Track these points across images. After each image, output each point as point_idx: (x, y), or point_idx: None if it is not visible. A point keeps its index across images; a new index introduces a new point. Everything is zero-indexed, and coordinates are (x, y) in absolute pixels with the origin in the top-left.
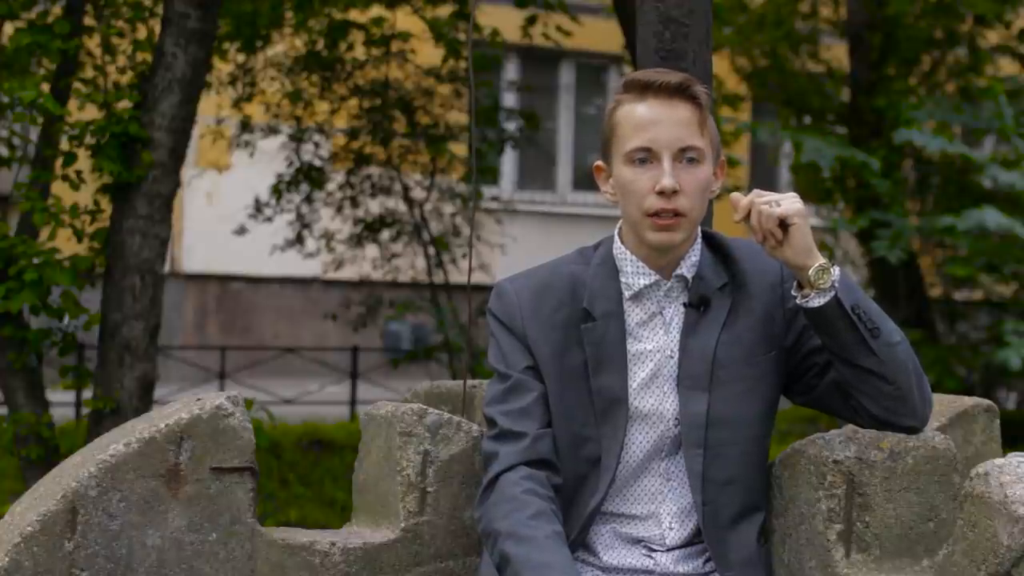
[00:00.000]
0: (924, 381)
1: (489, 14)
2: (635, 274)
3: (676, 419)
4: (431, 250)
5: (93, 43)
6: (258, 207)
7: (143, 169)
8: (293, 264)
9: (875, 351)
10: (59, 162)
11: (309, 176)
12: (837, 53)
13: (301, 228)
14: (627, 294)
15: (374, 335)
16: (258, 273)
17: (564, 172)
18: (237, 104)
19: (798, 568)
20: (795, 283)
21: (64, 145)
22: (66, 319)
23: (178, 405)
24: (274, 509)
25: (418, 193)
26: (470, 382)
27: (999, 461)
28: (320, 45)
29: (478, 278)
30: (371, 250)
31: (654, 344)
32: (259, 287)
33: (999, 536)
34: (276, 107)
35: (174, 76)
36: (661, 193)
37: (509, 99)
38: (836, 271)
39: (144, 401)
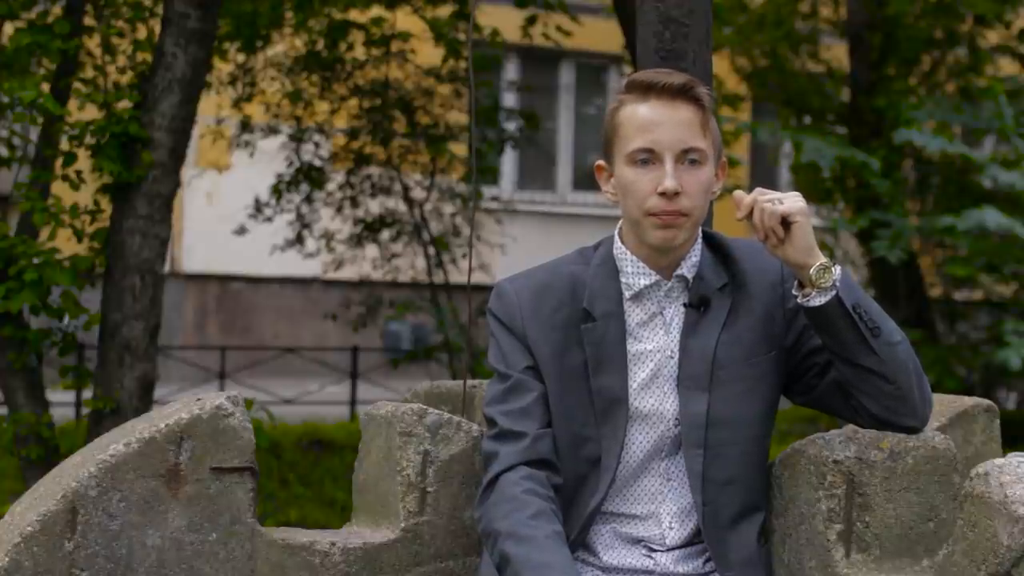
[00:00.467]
0: (924, 381)
1: (489, 14)
2: (635, 274)
3: (676, 419)
4: (431, 250)
5: (93, 43)
6: (258, 207)
7: (143, 169)
8: (293, 264)
9: (876, 350)
10: (59, 162)
11: (309, 176)
12: (837, 53)
13: (301, 228)
14: (627, 294)
15: (374, 335)
16: (258, 273)
17: (564, 172)
18: (237, 104)
19: (798, 568)
20: (796, 282)
21: (64, 145)
22: (66, 319)
23: (178, 405)
24: (274, 509)
25: (418, 193)
26: (470, 382)
27: (999, 461)
28: (320, 45)
29: (478, 278)
30: (371, 250)
31: (654, 344)
32: (259, 287)
33: (999, 536)
34: (276, 107)
35: (174, 76)
36: (663, 194)
37: (509, 99)
38: (837, 270)
39: (144, 401)
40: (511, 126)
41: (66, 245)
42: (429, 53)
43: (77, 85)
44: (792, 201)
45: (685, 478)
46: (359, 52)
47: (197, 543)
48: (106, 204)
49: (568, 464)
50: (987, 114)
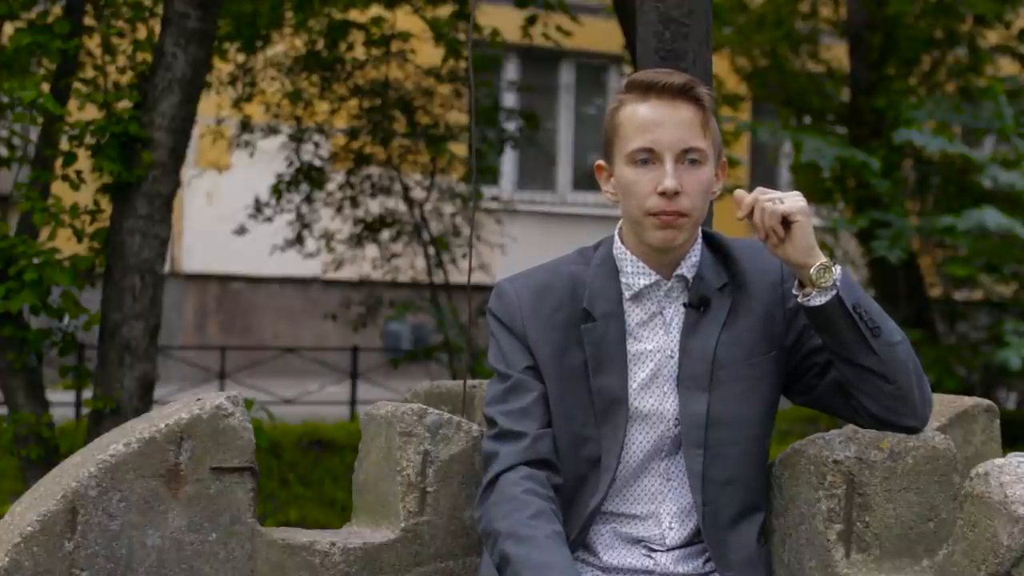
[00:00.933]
0: (924, 381)
1: (489, 14)
2: (635, 274)
3: (676, 419)
4: (431, 250)
5: (93, 43)
6: (258, 207)
7: (143, 169)
8: (293, 264)
9: (876, 350)
10: (59, 162)
11: (309, 176)
12: (837, 53)
13: (301, 228)
14: (627, 294)
15: (374, 335)
16: (258, 273)
17: (564, 172)
18: (237, 104)
19: (798, 568)
20: (796, 282)
21: (64, 145)
22: (66, 319)
23: (178, 405)
24: (274, 509)
25: (418, 193)
26: (470, 382)
27: (999, 461)
28: (320, 45)
29: (478, 278)
30: (371, 250)
31: (654, 344)
32: (259, 287)
33: (999, 536)
34: (276, 107)
35: (174, 76)
36: (663, 194)
37: (509, 99)
38: (838, 270)
39: (144, 401)
40: (511, 126)
41: (66, 245)
42: (429, 53)
43: (77, 85)
44: (792, 201)
45: (685, 478)
46: (359, 52)
47: (197, 543)
48: (106, 204)
49: (568, 464)
50: (987, 114)
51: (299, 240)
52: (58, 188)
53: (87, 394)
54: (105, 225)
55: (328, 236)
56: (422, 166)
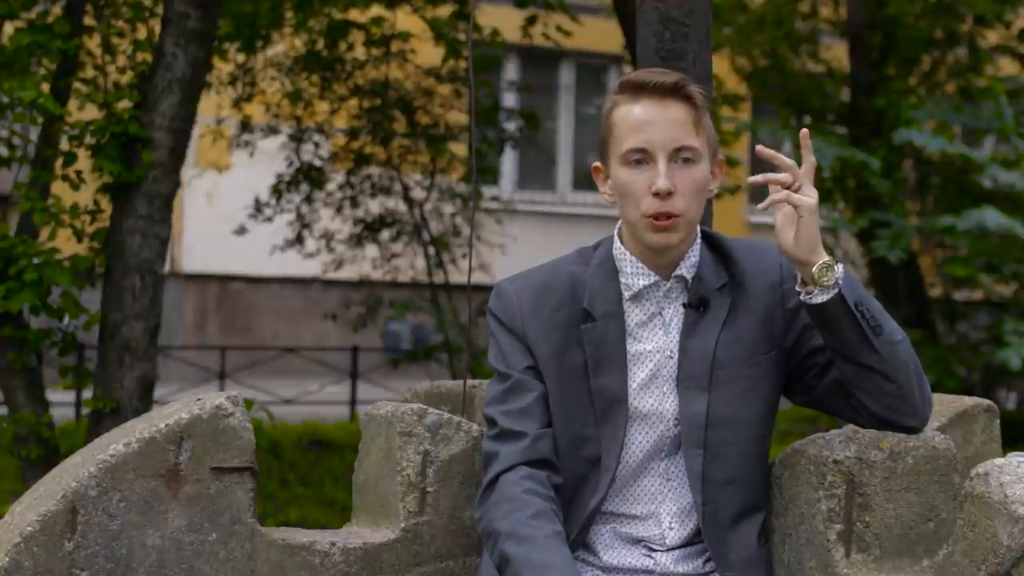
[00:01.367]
0: (924, 381)
1: (489, 14)
2: (634, 274)
3: (676, 419)
4: (431, 250)
5: (93, 43)
6: (258, 207)
7: (143, 169)
8: (293, 264)
9: (877, 349)
10: (59, 162)
11: (309, 176)
12: (837, 53)
13: (301, 228)
14: (627, 294)
15: (374, 335)
16: (258, 273)
17: (564, 172)
18: (237, 104)
19: (798, 568)
20: (798, 279)
21: (64, 145)
22: (66, 319)
23: (178, 405)
24: (274, 509)
25: (418, 193)
26: (470, 382)
27: (999, 461)
28: (320, 45)
29: (478, 278)
30: (371, 250)
31: (654, 344)
32: (259, 287)
33: (999, 536)
34: (276, 107)
35: (174, 76)
36: (657, 194)
37: (509, 99)
38: (840, 268)
39: (144, 401)
40: (511, 126)
41: (66, 245)
42: (429, 53)
43: (77, 85)
44: (804, 194)
45: (685, 478)
46: (359, 52)
47: (197, 543)
48: (106, 204)
49: (568, 464)
50: (987, 114)
51: (299, 240)
52: (58, 188)
53: (87, 394)
54: (105, 225)
55: (328, 236)
56: (422, 166)
